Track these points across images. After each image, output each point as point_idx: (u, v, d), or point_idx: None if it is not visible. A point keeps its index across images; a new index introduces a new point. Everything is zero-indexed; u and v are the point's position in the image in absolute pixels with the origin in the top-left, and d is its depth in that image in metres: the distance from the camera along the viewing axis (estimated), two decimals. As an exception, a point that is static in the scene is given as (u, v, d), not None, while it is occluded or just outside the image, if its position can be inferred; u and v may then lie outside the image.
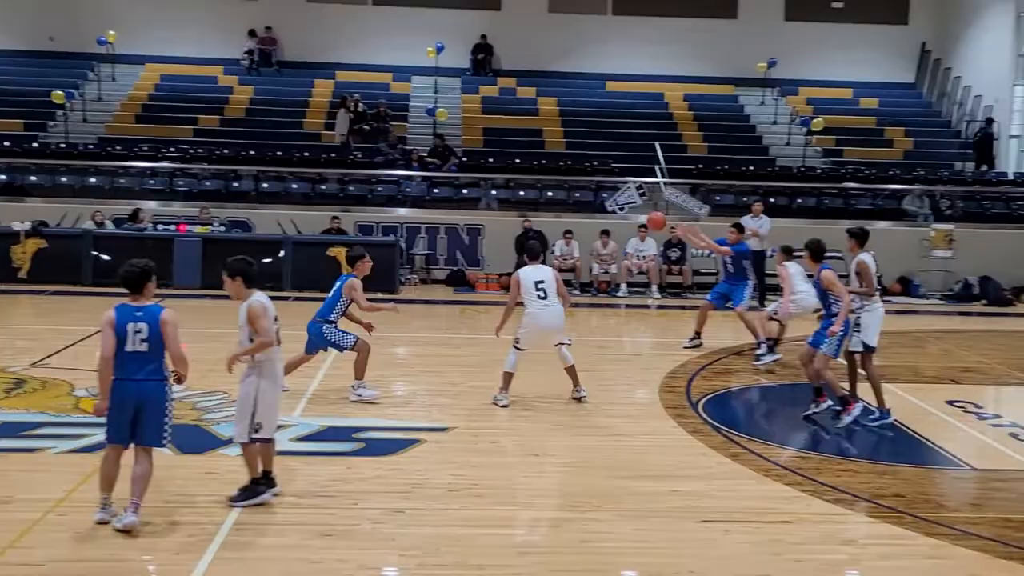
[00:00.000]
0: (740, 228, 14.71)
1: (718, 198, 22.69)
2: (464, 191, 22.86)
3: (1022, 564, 6.90)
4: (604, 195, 22.20)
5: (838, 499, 8.11)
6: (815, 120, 25.01)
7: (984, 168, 25.81)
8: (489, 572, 6.53)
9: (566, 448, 9.41)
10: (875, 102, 28.37)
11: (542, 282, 10.78)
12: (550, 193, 22.89)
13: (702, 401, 11.29)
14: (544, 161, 24.14)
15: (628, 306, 19.39)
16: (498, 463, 8.90)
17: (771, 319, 13.61)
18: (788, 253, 13.44)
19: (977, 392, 12.35)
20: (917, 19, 29.28)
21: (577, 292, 20.10)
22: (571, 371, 10.98)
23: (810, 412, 10.47)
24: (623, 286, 20.26)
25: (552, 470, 8.80)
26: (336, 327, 10.83)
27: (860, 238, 10.64)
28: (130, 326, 6.83)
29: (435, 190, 22.78)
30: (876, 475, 8.81)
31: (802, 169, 24.43)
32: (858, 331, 10.47)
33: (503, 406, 10.70)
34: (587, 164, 23.86)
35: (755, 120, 27.41)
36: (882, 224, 21.96)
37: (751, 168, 24.22)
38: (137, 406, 6.88)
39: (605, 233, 20.60)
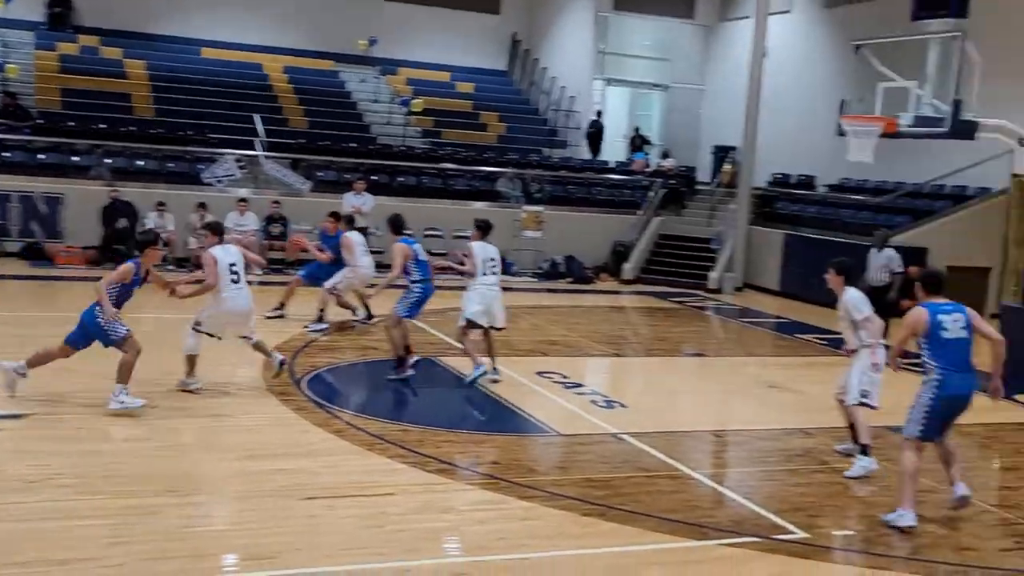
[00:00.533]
0: (337, 216, 14.79)
1: (320, 174, 22.58)
2: (41, 156, 21.00)
3: (601, 519, 7.45)
4: (200, 167, 21.33)
5: (439, 469, 8.34)
6: (415, 101, 25.57)
7: (593, 158, 27.51)
8: (75, 566, 6.07)
9: (162, 432, 8.94)
10: (471, 87, 29.49)
11: (235, 264, 10.17)
12: (140, 162, 21.60)
13: (306, 379, 11.18)
14: (133, 128, 22.75)
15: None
16: (85, 451, 8.29)
17: (331, 292, 14.03)
18: (350, 222, 14.13)
19: (563, 363, 13.21)
20: (508, 10, 30.74)
21: (172, 268, 19.20)
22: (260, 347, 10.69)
23: (395, 377, 11.14)
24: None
25: (150, 454, 8.32)
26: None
27: (483, 230, 11.68)
28: None
29: (6, 153, 20.71)
30: (474, 444, 9.17)
31: (403, 148, 24.91)
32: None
33: (194, 390, 10.12)
34: (181, 133, 22.80)
35: (356, 97, 27.54)
36: (478, 204, 22.89)
37: (353, 145, 24.32)
38: None
39: (202, 206, 19.81)
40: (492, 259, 11.61)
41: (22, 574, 5.94)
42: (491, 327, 11.60)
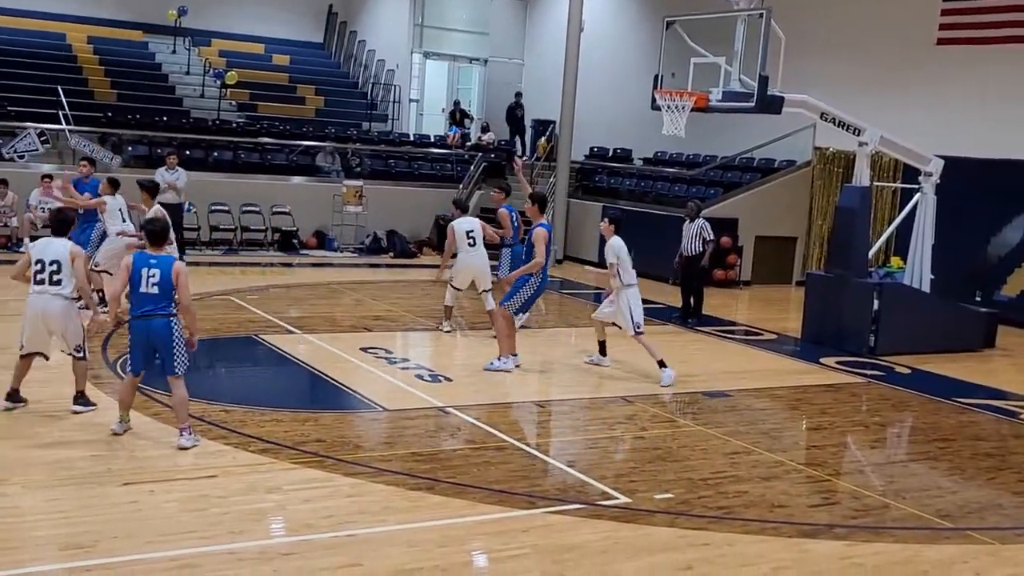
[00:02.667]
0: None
1: (131, 149, 21.71)
2: None
3: (429, 493, 7.50)
4: (1, 141, 20.17)
5: (264, 449, 8.20)
6: (229, 73, 24.86)
7: (514, 141, 26.86)
8: None
9: (-37, 420, 8.47)
10: (287, 59, 28.88)
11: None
12: (-67, 137, 20.31)
13: (120, 360, 10.76)
14: (-77, 101, 21.34)
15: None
16: None
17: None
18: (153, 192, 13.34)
19: (387, 338, 13.18)
20: (324, -19, 30.27)
21: (-29, 248, 18.19)
22: None
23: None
24: (26, 240, 18.64)
25: (-53, 446, 7.87)
26: None
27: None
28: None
29: None
30: (299, 423, 9.04)
31: (217, 122, 24.20)
32: None
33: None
34: (-24, 106, 21.52)
35: (167, 69, 26.55)
36: (297, 180, 22.52)
37: (164, 119, 23.46)
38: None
39: (2, 183, 18.79)
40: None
41: None
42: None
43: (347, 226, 22.15)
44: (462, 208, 14.16)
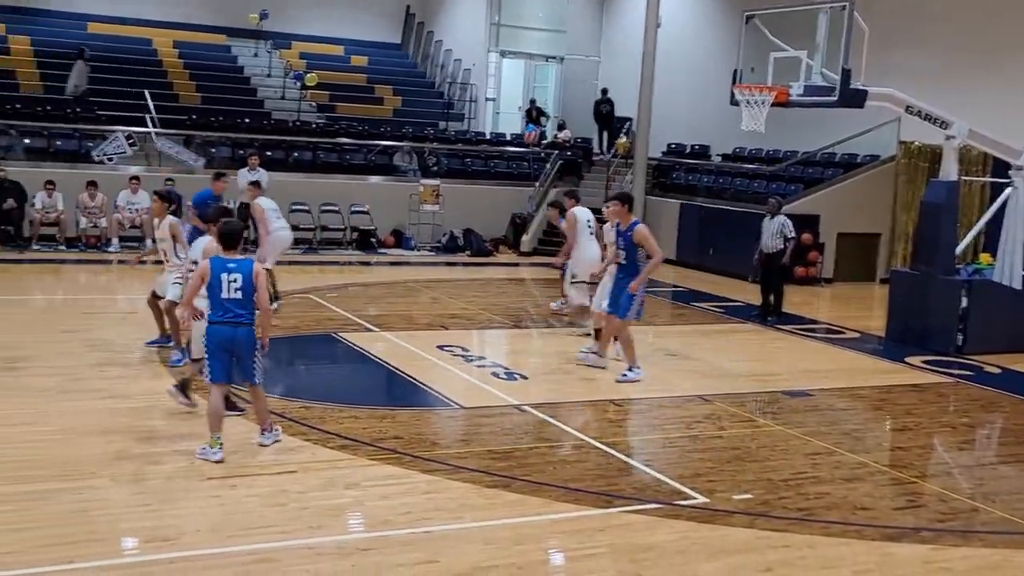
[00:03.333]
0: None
1: (214, 150, 22.12)
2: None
3: (505, 490, 7.50)
4: (90, 144, 20.71)
5: (342, 446, 8.29)
6: (309, 75, 25.18)
7: (601, 138, 26.67)
8: (-33, 557, 5.88)
9: (55, 415, 8.71)
10: (365, 60, 29.16)
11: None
12: (27, 140, 20.91)
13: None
14: (19, 105, 21.97)
15: (120, 262, 18.34)
16: (-26, 437, 8.02)
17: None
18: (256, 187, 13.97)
19: (464, 336, 13.23)
20: (403, -18, 30.49)
21: (63, 248, 18.69)
22: None
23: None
24: (115, 240, 19.13)
25: (39, 439, 8.07)
26: None
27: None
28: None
29: None
30: (377, 420, 9.12)
31: (297, 123, 24.54)
32: None
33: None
34: (69, 110, 22.10)
35: (249, 72, 26.99)
36: (375, 179, 22.73)
37: (246, 120, 23.87)
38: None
39: (92, 184, 19.28)
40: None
41: (-91, 567, 5.74)
42: None
43: (424, 225, 22.28)
44: (576, 197, 13.75)
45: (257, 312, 7.89)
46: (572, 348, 12.51)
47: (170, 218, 10.70)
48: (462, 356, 11.94)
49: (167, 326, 10.89)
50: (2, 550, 5.98)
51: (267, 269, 13.22)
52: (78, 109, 22.10)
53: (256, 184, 14.56)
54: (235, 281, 7.72)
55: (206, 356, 7.88)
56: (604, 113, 26.53)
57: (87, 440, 8.07)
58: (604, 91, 26.79)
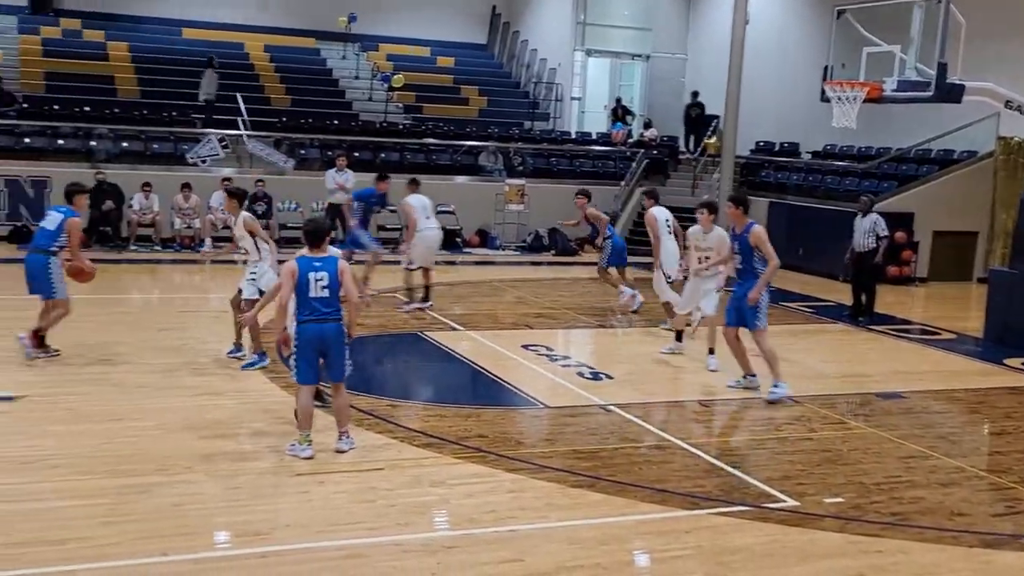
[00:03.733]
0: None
1: (303, 151, 22.50)
2: (27, 140, 20.88)
3: (589, 490, 7.48)
4: (185, 147, 21.23)
5: (428, 444, 8.35)
6: (395, 76, 25.44)
7: (688, 140, 26.52)
8: (72, 546, 6.07)
9: (152, 411, 8.93)
10: (451, 61, 29.35)
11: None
12: (125, 144, 21.52)
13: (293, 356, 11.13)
14: (117, 110, 22.63)
15: (214, 261, 18.72)
16: (78, 431, 8.27)
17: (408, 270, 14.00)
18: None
19: (548, 336, 13.23)
20: (488, -17, 30.61)
21: (159, 248, 19.19)
22: None
23: None
24: (208, 241, 19.55)
25: (139, 434, 8.30)
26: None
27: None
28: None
29: (-10, 138, 20.61)
30: (461, 418, 9.17)
31: (384, 124, 24.81)
32: None
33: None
34: (165, 114, 22.68)
35: (337, 74, 27.38)
36: (460, 179, 22.87)
37: (335, 122, 24.22)
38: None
39: (187, 186, 19.76)
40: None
41: (18, 554, 5.94)
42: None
43: (509, 224, 22.34)
44: (655, 197, 13.79)
45: (344, 307, 7.92)
46: (654, 347, 12.44)
47: (244, 214, 10.83)
48: (547, 355, 11.94)
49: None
50: (100, 542, 6.16)
51: (422, 268, 13.60)
52: (174, 113, 22.65)
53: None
54: (322, 279, 7.75)
55: (294, 355, 7.92)
56: (694, 116, 26.28)
57: (182, 436, 8.27)
58: (695, 94, 26.50)
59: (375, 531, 6.58)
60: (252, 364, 10.58)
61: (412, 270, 14.09)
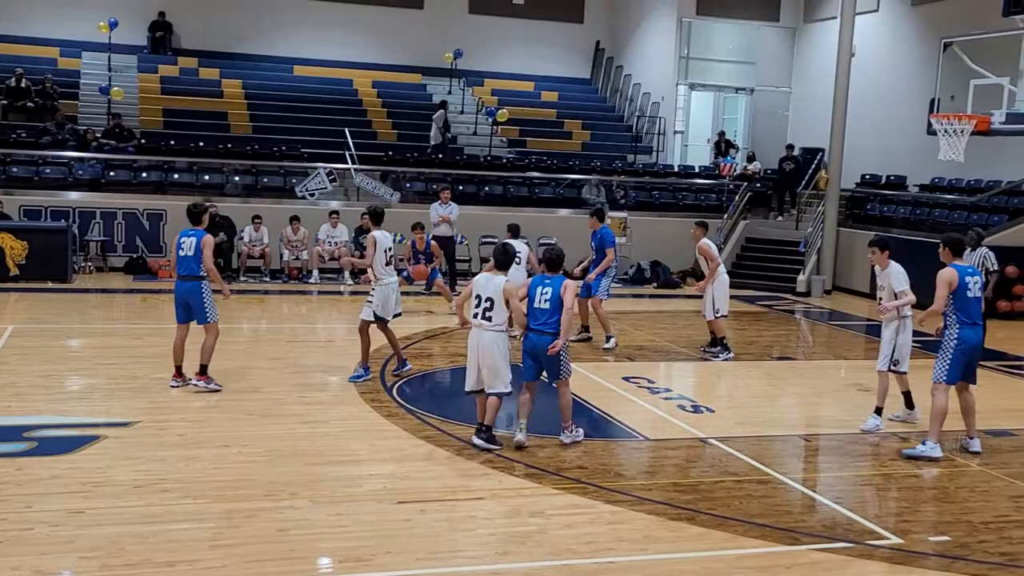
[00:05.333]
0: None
1: (408, 185, 22.94)
2: (144, 175, 21.78)
3: (689, 524, 7.47)
4: (294, 180, 21.85)
5: (527, 474, 8.44)
6: (500, 111, 25.78)
7: (781, 200, 24.92)
8: (180, 568, 6.30)
9: (259, 437, 9.21)
10: (555, 95, 29.62)
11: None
12: (237, 178, 22.26)
13: (396, 385, 11.39)
14: (230, 145, 23.42)
15: (320, 292, 19.24)
16: (187, 456, 8.58)
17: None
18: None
19: (649, 368, 13.22)
20: (591, 18, 30.80)
21: (268, 279, 19.73)
22: None
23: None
24: (315, 272, 20.07)
25: (245, 461, 8.58)
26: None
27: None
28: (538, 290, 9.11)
29: (111, 173, 21.53)
30: (561, 449, 9.24)
31: (488, 158, 25.13)
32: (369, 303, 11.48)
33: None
34: (275, 149, 23.39)
35: (443, 109, 27.85)
36: (563, 212, 23.03)
37: (440, 156, 24.63)
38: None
39: (295, 219, 20.31)
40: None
41: (129, 575, 6.19)
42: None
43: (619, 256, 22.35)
44: (704, 227, 14.19)
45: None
46: (756, 381, 12.34)
47: (375, 232, 11.46)
48: (648, 388, 11.94)
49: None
50: (207, 564, 6.39)
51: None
52: (284, 147, 23.33)
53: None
54: (546, 294, 9.10)
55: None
56: (787, 171, 24.62)
57: (289, 462, 8.51)
58: (790, 147, 24.95)
59: (475, 560, 6.69)
60: (358, 377, 11.42)
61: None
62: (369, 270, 11.37)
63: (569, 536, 7.15)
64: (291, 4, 28.16)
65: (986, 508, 8.11)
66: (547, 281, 9.20)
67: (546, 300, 9.06)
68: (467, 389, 9.30)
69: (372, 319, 11.41)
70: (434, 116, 24.81)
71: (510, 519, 7.46)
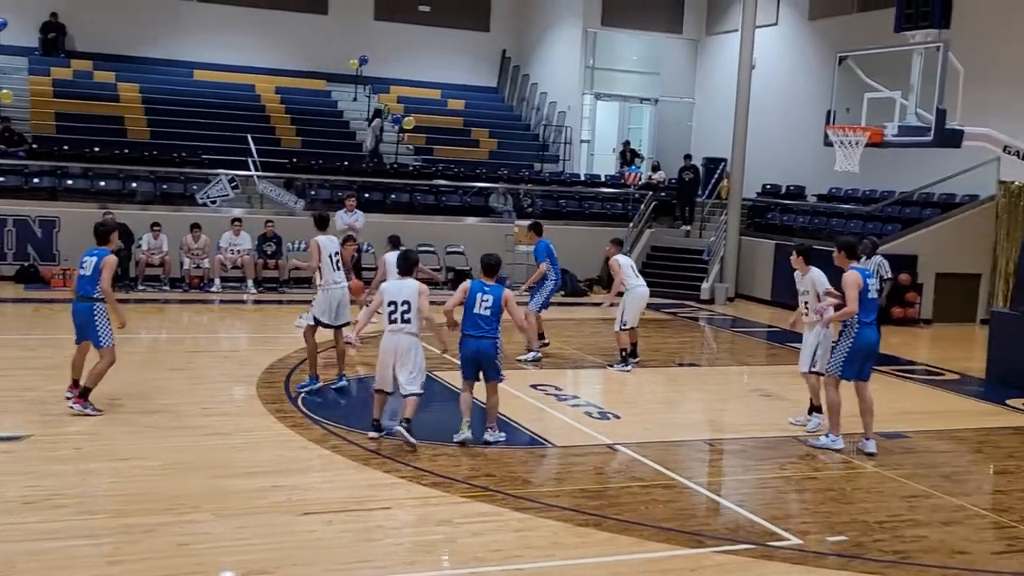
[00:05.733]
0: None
1: (313, 192, 22.70)
2: (36, 180, 21.11)
3: (596, 529, 7.54)
4: (194, 187, 21.44)
5: (435, 483, 8.42)
6: (406, 119, 25.69)
7: (683, 211, 24.80)
8: (77, 585, 6.14)
9: (160, 451, 9.01)
10: (462, 103, 29.63)
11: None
12: (134, 184, 21.74)
13: (302, 395, 11.25)
14: (127, 151, 22.87)
15: (223, 301, 18.92)
16: (83, 471, 8.35)
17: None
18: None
19: (557, 376, 13.30)
20: (498, 27, 30.90)
21: (167, 288, 19.33)
22: None
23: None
24: (217, 281, 19.73)
25: (144, 474, 8.38)
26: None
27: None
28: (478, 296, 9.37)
29: (1, 178, 20.81)
30: (469, 457, 9.24)
31: (395, 166, 25.02)
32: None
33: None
34: (175, 155, 22.91)
35: (348, 116, 27.66)
36: (470, 220, 23.04)
37: (345, 163, 24.44)
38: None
39: (196, 227, 19.93)
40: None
41: (23, 593, 6.02)
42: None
43: (519, 265, 22.44)
44: (619, 243, 14.49)
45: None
46: (662, 387, 12.51)
47: (318, 238, 11.57)
48: (555, 395, 12.01)
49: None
50: (109, 579, 6.23)
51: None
52: (184, 153, 22.87)
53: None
54: (487, 301, 9.39)
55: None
56: (686, 180, 24.45)
57: (190, 476, 8.35)
58: (687, 157, 24.94)
59: (382, 570, 6.65)
60: (304, 386, 11.48)
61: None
62: (316, 275, 11.41)
63: (477, 544, 7.15)
64: (191, 7, 27.65)
65: (880, 508, 8.34)
66: (487, 288, 9.45)
67: (487, 307, 9.34)
68: (375, 387, 9.63)
69: (314, 324, 11.43)
70: (371, 124, 24.93)
71: (418, 528, 7.43)
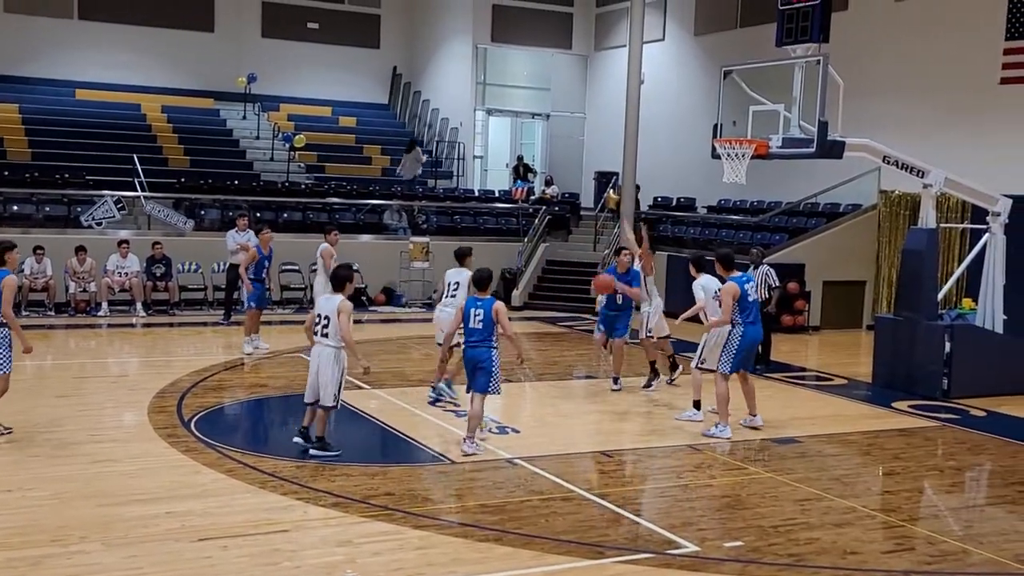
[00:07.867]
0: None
1: (203, 212, 22.28)
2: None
3: (496, 544, 7.54)
4: (79, 209, 20.84)
5: (334, 503, 8.32)
6: (297, 136, 25.43)
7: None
8: (-42, 624, 5.88)
9: (46, 480, 8.72)
10: (353, 121, 29.47)
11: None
12: (15, 207, 21.03)
13: (195, 419, 11.02)
14: (7, 172, 22.13)
15: (111, 325, 18.42)
16: (-35, 503, 8.03)
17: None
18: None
19: (455, 392, 13.22)
20: (388, 44, 30.85)
21: (52, 313, 18.75)
22: None
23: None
24: (104, 305, 19.20)
25: (29, 505, 8.09)
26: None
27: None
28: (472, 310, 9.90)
29: None
30: (368, 477, 9.15)
31: (286, 184, 24.72)
32: None
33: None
34: (57, 176, 22.23)
35: (238, 135, 27.26)
36: (365, 237, 22.89)
37: (236, 183, 24.04)
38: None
39: (81, 249, 19.38)
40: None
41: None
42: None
43: (415, 282, 22.40)
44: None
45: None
46: (560, 400, 12.58)
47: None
48: (454, 411, 11.98)
49: None
50: (-5, 615, 6.00)
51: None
52: (67, 175, 22.23)
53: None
54: (479, 314, 9.86)
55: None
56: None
57: (78, 505, 8.09)
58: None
59: (280, 593, 6.53)
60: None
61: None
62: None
63: (377, 564, 7.08)
64: (72, 25, 26.96)
65: (775, 513, 8.52)
66: (479, 303, 9.96)
67: (479, 320, 9.89)
68: (305, 400, 9.91)
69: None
70: (409, 154, 25.92)
71: (317, 550, 7.33)
